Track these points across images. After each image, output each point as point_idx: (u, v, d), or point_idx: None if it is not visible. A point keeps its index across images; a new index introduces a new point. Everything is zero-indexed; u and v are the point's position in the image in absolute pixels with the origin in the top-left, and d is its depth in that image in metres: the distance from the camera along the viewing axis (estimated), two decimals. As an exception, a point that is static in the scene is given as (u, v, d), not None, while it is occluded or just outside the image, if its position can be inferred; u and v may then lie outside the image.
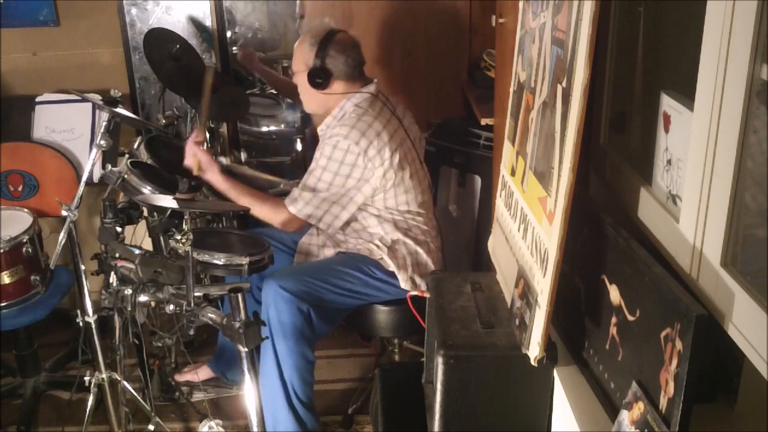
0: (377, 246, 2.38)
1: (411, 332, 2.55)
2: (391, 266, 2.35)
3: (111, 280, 1.99)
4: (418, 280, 2.36)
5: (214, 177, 2.39)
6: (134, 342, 2.29)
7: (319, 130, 2.47)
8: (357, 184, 2.28)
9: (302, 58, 2.35)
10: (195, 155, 2.40)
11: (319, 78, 2.32)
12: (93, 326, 2.27)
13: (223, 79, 3.10)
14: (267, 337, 1.87)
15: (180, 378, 2.81)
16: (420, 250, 2.41)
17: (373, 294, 2.37)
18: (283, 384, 2.25)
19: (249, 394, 1.88)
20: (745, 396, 1.33)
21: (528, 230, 1.54)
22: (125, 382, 2.31)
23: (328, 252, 2.45)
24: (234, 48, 3.37)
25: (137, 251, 2.00)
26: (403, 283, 2.35)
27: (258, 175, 2.74)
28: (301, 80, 2.39)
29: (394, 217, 2.39)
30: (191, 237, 1.78)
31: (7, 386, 2.80)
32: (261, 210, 2.36)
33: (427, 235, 2.45)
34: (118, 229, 2.16)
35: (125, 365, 2.38)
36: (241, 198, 2.36)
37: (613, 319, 1.35)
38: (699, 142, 1.18)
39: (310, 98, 2.42)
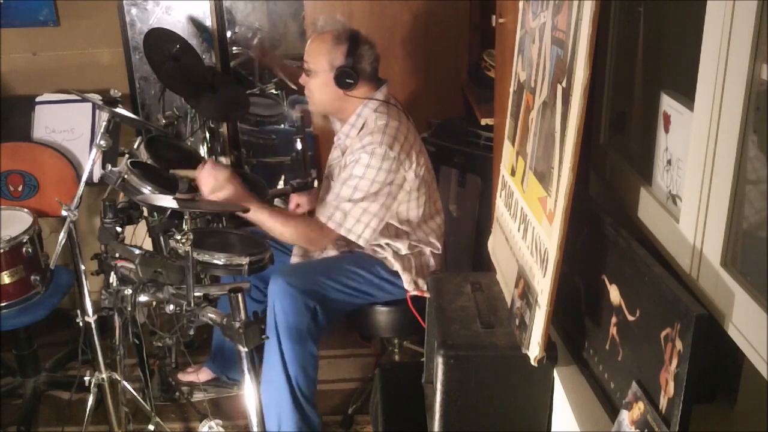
0: (381, 247, 2.38)
1: (411, 332, 2.55)
2: (396, 266, 2.35)
3: (111, 280, 2.00)
4: (420, 282, 2.36)
5: (241, 199, 2.19)
6: (134, 342, 2.29)
7: (336, 138, 2.45)
8: (393, 191, 2.26)
9: (326, 57, 2.28)
10: (215, 176, 2.19)
11: (350, 78, 2.26)
12: (93, 326, 2.27)
13: (223, 79, 3.11)
14: (267, 337, 1.87)
15: (183, 378, 2.82)
16: (426, 252, 2.42)
17: (377, 294, 2.38)
18: (288, 380, 2.25)
19: (249, 394, 1.88)
20: (745, 396, 1.33)
21: (528, 230, 1.54)
22: (125, 382, 2.31)
23: (330, 252, 2.45)
24: (235, 48, 3.38)
25: (137, 251, 2.00)
26: (407, 284, 2.35)
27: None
28: (320, 80, 2.31)
29: (409, 232, 2.38)
30: (191, 237, 1.78)
31: (7, 386, 2.80)
32: (293, 232, 2.24)
33: (436, 240, 2.46)
34: (118, 229, 2.16)
35: (125, 365, 2.37)
36: (271, 221, 2.22)
37: (613, 319, 1.35)
38: (699, 142, 1.18)
39: (327, 98, 2.35)
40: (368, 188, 2.22)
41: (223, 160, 3.24)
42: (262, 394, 2.27)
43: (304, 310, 2.21)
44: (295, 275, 2.26)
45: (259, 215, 2.21)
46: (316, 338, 2.29)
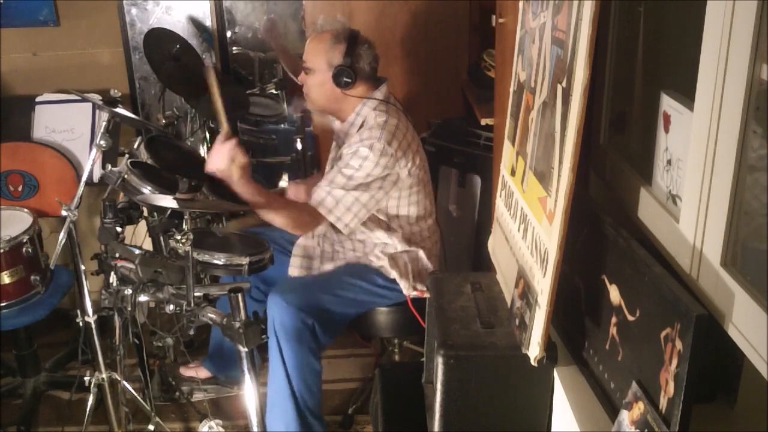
0: (377, 257, 2.39)
1: (411, 332, 2.55)
2: (393, 274, 2.35)
3: (111, 280, 1.99)
4: (420, 286, 2.36)
5: (244, 186, 2.15)
6: (134, 342, 2.29)
7: (335, 137, 2.46)
8: (385, 186, 2.26)
9: (324, 56, 2.28)
10: (232, 158, 2.12)
11: (348, 77, 2.26)
12: (93, 326, 2.27)
13: (223, 79, 3.10)
14: (267, 337, 1.87)
15: (185, 372, 2.82)
16: (422, 256, 2.41)
17: (376, 301, 2.38)
18: (293, 396, 2.26)
19: (249, 394, 1.88)
20: (745, 396, 1.33)
21: (528, 230, 1.54)
22: (125, 382, 2.31)
23: (327, 266, 2.44)
24: (234, 48, 3.38)
25: (137, 251, 2.00)
26: (406, 290, 2.35)
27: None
28: (318, 78, 2.31)
29: (402, 226, 2.39)
30: (191, 237, 1.78)
31: (7, 386, 2.80)
32: (286, 219, 2.22)
33: (430, 242, 2.46)
34: (118, 229, 2.16)
35: (125, 365, 2.38)
36: (270, 206, 2.19)
37: (613, 319, 1.35)
38: (699, 142, 1.18)
39: (325, 97, 2.34)
40: (362, 180, 2.23)
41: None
42: (267, 411, 2.28)
43: (303, 327, 2.22)
44: (292, 293, 2.25)
45: (256, 198, 2.18)
46: (318, 354, 2.30)
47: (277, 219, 2.23)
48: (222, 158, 2.12)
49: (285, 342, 2.22)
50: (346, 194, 2.23)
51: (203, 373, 2.82)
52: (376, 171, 2.22)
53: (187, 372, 2.83)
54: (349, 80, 2.28)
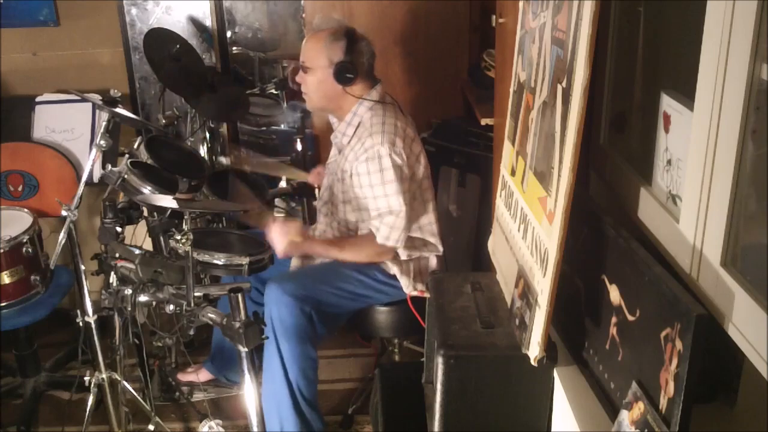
0: None
1: (411, 332, 2.55)
2: (393, 269, 2.35)
3: (111, 280, 2.00)
4: (420, 285, 2.36)
5: (311, 247, 2.36)
6: (134, 342, 2.29)
7: (333, 137, 2.46)
8: (410, 187, 2.29)
9: (324, 53, 2.28)
10: (287, 234, 2.26)
11: (350, 73, 2.27)
12: (93, 326, 2.27)
13: (223, 79, 3.10)
14: (267, 337, 1.87)
15: (183, 378, 2.82)
16: (424, 256, 2.41)
17: (375, 296, 2.37)
18: (289, 385, 2.25)
19: (249, 394, 1.88)
20: (745, 396, 1.33)
21: (528, 230, 1.54)
22: (125, 382, 2.31)
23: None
24: (234, 48, 3.38)
25: (137, 251, 2.00)
26: (406, 288, 2.34)
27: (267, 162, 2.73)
28: (318, 76, 2.31)
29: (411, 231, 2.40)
30: (191, 237, 1.78)
31: (7, 386, 2.80)
32: (359, 254, 2.34)
33: (432, 238, 2.45)
34: (118, 229, 2.16)
35: (125, 365, 2.38)
36: (341, 251, 2.34)
37: (613, 319, 1.35)
38: (699, 142, 1.18)
39: (324, 95, 2.34)
40: (397, 189, 2.23)
41: (223, 160, 3.24)
42: (263, 400, 2.27)
43: (300, 314, 2.21)
44: (290, 282, 2.25)
45: (330, 250, 2.34)
46: (314, 342, 2.28)
47: (351, 256, 2.33)
48: (281, 241, 2.25)
49: (281, 330, 2.21)
50: (396, 217, 2.25)
51: (203, 375, 2.81)
52: (396, 173, 2.22)
53: (185, 377, 2.82)
54: (351, 75, 2.28)
